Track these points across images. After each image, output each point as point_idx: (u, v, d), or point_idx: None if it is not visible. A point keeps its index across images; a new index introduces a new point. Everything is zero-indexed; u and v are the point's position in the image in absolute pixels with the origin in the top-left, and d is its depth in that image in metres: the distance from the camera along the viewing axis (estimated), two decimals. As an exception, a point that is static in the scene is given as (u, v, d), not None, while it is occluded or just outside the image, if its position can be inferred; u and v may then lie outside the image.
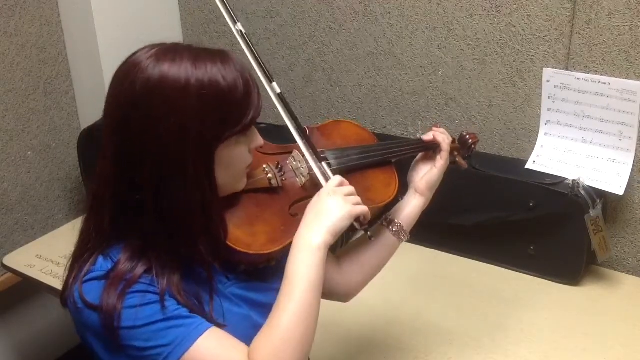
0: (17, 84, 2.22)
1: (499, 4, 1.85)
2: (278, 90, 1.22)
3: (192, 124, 1.01)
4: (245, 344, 1.04)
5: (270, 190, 1.20)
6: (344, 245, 1.46)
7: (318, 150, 1.25)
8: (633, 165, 1.78)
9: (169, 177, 1.02)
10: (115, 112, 1.04)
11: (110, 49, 2.24)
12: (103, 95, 1.07)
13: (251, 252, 1.11)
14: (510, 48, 1.87)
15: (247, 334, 1.10)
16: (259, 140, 1.12)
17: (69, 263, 1.10)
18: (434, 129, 1.41)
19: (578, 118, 1.83)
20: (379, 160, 1.37)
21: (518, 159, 1.95)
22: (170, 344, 1.00)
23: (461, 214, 1.92)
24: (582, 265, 1.80)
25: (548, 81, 1.84)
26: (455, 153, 1.48)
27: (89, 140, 2.23)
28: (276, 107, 1.23)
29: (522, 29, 1.84)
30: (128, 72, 1.02)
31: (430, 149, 1.40)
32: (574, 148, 1.86)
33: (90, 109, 2.35)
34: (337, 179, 1.16)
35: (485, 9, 1.88)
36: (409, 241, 1.40)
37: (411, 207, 1.37)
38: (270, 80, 1.22)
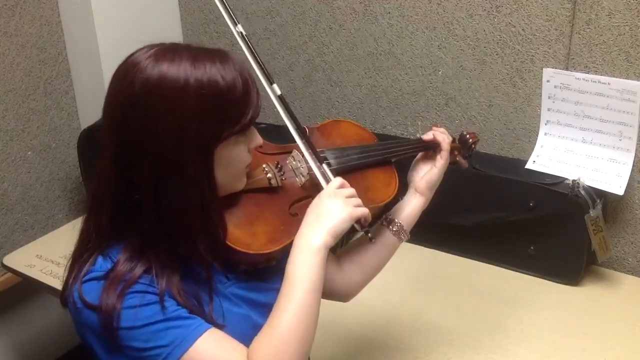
0: (17, 84, 2.22)
1: (499, 4, 1.85)
2: (279, 92, 1.22)
3: (191, 123, 1.01)
4: (245, 344, 1.04)
5: (270, 190, 1.20)
6: (344, 245, 1.46)
7: (318, 150, 1.25)
8: (633, 165, 1.78)
9: (167, 177, 1.03)
10: (114, 111, 1.04)
11: (110, 49, 2.25)
12: (103, 95, 1.07)
13: (251, 251, 1.10)
14: (510, 48, 1.87)
15: (247, 334, 1.10)
16: (258, 139, 1.12)
17: (69, 263, 1.10)
18: (434, 128, 1.41)
19: (578, 118, 1.83)
20: (378, 160, 1.37)
21: (518, 159, 1.95)
22: (169, 345, 1.00)
23: (461, 214, 1.92)
24: (582, 265, 1.80)
25: (548, 81, 1.84)
26: (456, 152, 1.48)
27: (89, 140, 2.23)
28: (276, 107, 1.23)
29: (522, 29, 1.84)
30: (127, 72, 1.02)
31: (431, 149, 1.40)
32: (574, 148, 1.86)
33: (90, 109, 2.35)
34: (338, 180, 1.16)
35: (485, 9, 1.88)
36: (409, 241, 1.40)
37: (411, 206, 1.37)
38: (270, 82, 1.22)
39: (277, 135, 1.31)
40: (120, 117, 1.03)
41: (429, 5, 1.96)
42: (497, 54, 1.90)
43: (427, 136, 1.40)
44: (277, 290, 1.15)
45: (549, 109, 1.87)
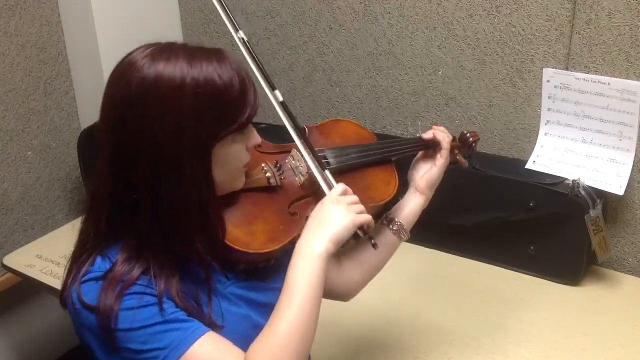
0: (17, 84, 2.22)
1: (499, 4, 1.85)
2: (280, 99, 1.22)
3: (188, 122, 1.01)
4: (245, 344, 1.04)
5: (269, 189, 1.20)
6: (345, 245, 1.46)
7: (317, 149, 1.25)
8: (633, 165, 1.78)
9: (164, 176, 1.02)
10: (112, 111, 1.04)
11: (110, 49, 2.25)
12: (103, 95, 1.07)
13: (250, 251, 1.10)
14: (510, 48, 1.87)
15: (246, 334, 1.09)
16: (256, 138, 1.12)
17: (68, 263, 1.10)
18: (434, 127, 1.41)
19: (578, 118, 1.83)
20: (378, 159, 1.36)
21: (518, 159, 1.95)
22: (167, 347, 1.00)
23: (461, 214, 1.92)
24: (582, 265, 1.80)
25: (548, 81, 1.84)
26: (456, 151, 1.48)
27: (89, 140, 2.23)
28: (276, 109, 1.23)
29: (522, 29, 1.84)
30: (124, 71, 1.02)
31: (430, 148, 1.40)
32: (574, 148, 1.86)
33: (90, 109, 2.35)
34: (341, 187, 1.16)
35: (485, 9, 1.88)
36: (409, 241, 1.40)
37: (411, 205, 1.37)
38: (272, 88, 1.22)
39: (276, 135, 1.31)
40: (117, 117, 1.03)
41: (429, 5, 1.96)
42: (497, 54, 1.90)
43: (427, 135, 1.40)
44: (277, 290, 1.15)
45: (549, 109, 1.87)
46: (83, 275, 1.04)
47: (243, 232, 1.11)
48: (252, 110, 1.06)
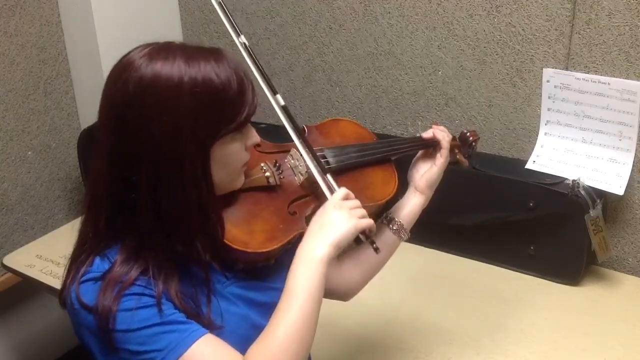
0: (17, 84, 2.22)
1: (499, 4, 1.85)
2: (282, 103, 1.22)
3: (186, 122, 1.01)
4: (244, 343, 1.04)
5: (269, 188, 1.20)
6: (346, 249, 1.46)
7: (317, 148, 1.25)
8: (633, 165, 1.78)
9: (165, 176, 1.02)
10: (110, 111, 1.04)
11: (110, 49, 2.25)
12: (102, 95, 1.07)
13: (249, 250, 1.10)
14: (510, 48, 1.87)
15: (246, 334, 1.10)
16: (255, 137, 1.12)
17: (67, 264, 1.10)
18: (434, 126, 1.41)
19: (578, 118, 1.83)
20: (378, 158, 1.36)
21: (518, 159, 1.95)
22: (164, 349, 0.99)
23: (461, 214, 1.92)
24: (582, 265, 1.80)
25: (548, 81, 1.84)
26: (456, 151, 1.48)
27: (89, 140, 2.23)
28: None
29: (522, 29, 1.84)
30: (121, 71, 1.02)
31: (430, 147, 1.40)
32: (574, 148, 1.86)
33: (90, 109, 2.35)
34: (343, 191, 1.16)
35: (485, 9, 1.88)
36: (409, 241, 1.40)
37: (411, 205, 1.37)
38: (274, 92, 1.21)
39: (276, 135, 1.31)
40: (116, 117, 1.03)
41: (429, 5, 1.96)
42: (497, 54, 1.90)
43: (427, 134, 1.40)
44: (277, 290, 1.15)
45: (549, 109, 1.87)
46: (82, 276, 1.04)
47: (242, 232, 1.11)
48: (251, 109, 1.06)
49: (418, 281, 1.87)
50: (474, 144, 1.53)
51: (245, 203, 1.16)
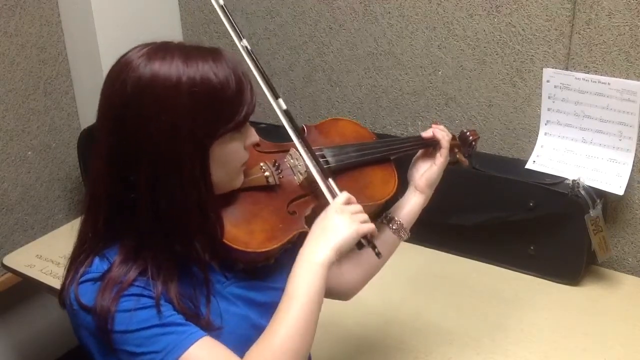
0: (17, 84, 2.22)
1: (499, 4, 1.85)
2: (284, 107, 1.22)
3: (184, 122, 1.01)
4: (244, 344, 1.04)
5: (268, 188, 1.20)
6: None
7: (316, 147, 1.25)
8: (633, 165, 1.77)
9: (164, 176, 1.02)
10: (108, 111, 1.04)
11: (110, 49, 2.25)
12: (103, 95, 1.07)
13: (249, 250, 1.10)
14: (510, 48, 1.87)
15: (246, 334, 1.10)
16: (254, 136, 1.12)
17: (67, 264, 1.10)
18: (433, 126, 1.41)
19: (578, 118, 1.83)
20: (377, 158, 1.36)
21: (518, 159, 1.95)
22: (162, 351, 0.99)
23: (461, 214, 1.92)
24: (582, 265, 1.80)
25: (548, 81, 1.84)
26: (456, 150, 1.48)
27: (89, 140, 2.23)
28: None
29: (522, 29, 1.84)
30: (120, 71, 1.02)
31: (430, 146, 1.40)
32: (574, 148, 1.86)
33: (90, 109, 2.34)
34: (344, 195, 1.15)
35: (485, 9, 1.88)
36: (409, 241, 1.40)
37: (411, 204, 1.37)
38: (276, 96, 1.21)
39: (275, 134, 1.31)
40: (114, 117, 1.03)
41: (429, 5, 1.96)
42: (497, 54, 1.90)
43: (427, 134, 1.40)
44: (277, 290, 1.15)
45: (549, 109, 1.87)
46: (81, 276, 1.04)
47: (242, 231, 1.11)
48: (249, 108, 1.06)
49: (418, 281, 1.87)
50: (473, 143, 1.53)
51: (244, 203, 1.16)
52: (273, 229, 1.15)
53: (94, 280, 1.03)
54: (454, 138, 1.44)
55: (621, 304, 1.75)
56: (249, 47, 1.22)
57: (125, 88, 1.01)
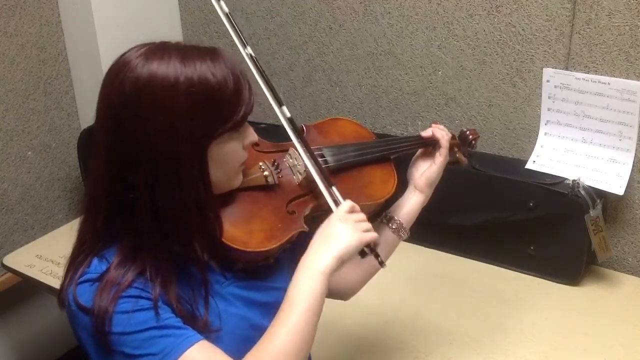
0: (17, 84, 2.22)
1: (499, 4, 1.85)
2: (288, 115, 1.21)
3: (182, 122, 1.01)
4: (243, 344, 1.04)
5: (267, 188, 1.20)
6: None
7: (315, 147, 1.25)
8: (633, 165, 1.77)
9: (162, 176, 1.02)
10: (107, 111, 1.04)
11: (110, 49, 2.25)
12: (103, 95, 1.07)
13: (248, 249, 1.10)
14: (510, 48, 1.87)
15: (245, 334, 1.10)
16: (253, 136, 1.12)
17: (66, 264, 1.10)
18: (433, 125, 1.41)
19: (578, 118, 1.83)
20: (377, 157, 1.36)
21: (518, 159, 1.95)
22: (159, 354, 0.99)
23: (461, 214, 1.92)
24: (582, 265, 1.80)
25: (548, 81, 1.84)
26: (456, 149, 1.47)
27: (89, 140, 2.23)
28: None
29: (522, 29, 1.84)
30: (118, 71, 1.02)
31: (429, 146, 1.40)
32: (574, 148, 1.86)
33: (90, 109, 2.31)
34: (348, 204, 1.15)
35: (485, 9, 1.88)
36: (408, 241, 1.40)
37: (411, 204, 1.37)
38: (280, 104, 1.21)
39: (275, 134, 1.30)
40: (112, 117, 1.02)
41: (429, 5, 1.96)
42: (497, 54, 1.90)
43: (426, 133, 1.40)
44: (277, 289, 1.15)
45: (549, 109, 1.87)
46: (79, 277, 1.04)
47: (241, 231, 1.11)
48: (248, 108, 1.06)
49: (418, 281, 1.86)
50: (473, 142, 1.52)
51: (243, 202, 1.16)
52: (272, 229, 1.15)
53: (92, 281, 1.03)
54: (453, 137, 1.44)
55: (621, 304, 1.75)
56: (253, 54, 1.21)
57: (123, 88, 1.01)
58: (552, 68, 1.82)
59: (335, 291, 1.36)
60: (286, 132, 1.22)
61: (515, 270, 1.88)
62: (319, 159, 1.23)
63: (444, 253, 1.99)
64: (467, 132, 1.52)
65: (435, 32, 1.98)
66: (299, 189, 1.23)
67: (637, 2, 1.66)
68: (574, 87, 1.80)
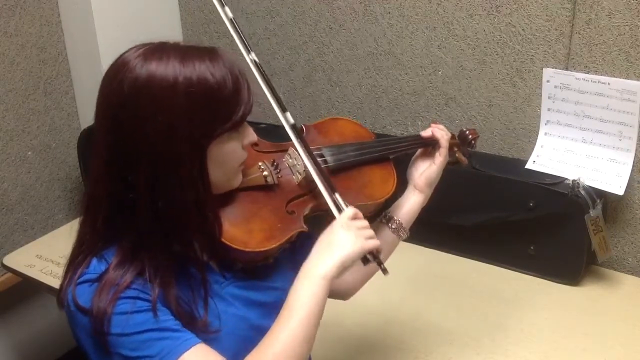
0: (17, 84, 2.22)
1: (499, 4, 1.85)
2: (292, 121, 1.21)
3: (181, 122, 1.01)
4: (243, 344, 1.04)
5: (267, 187, 1.20)
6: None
7: (314, 147, 1.25)
8: (633, 165, 1.77)
9: (162, 176, 1.02)
10: (106, 111, 1.04)
11: (110, 49, 2.25)
12: (103, 95, 1.07)
13: (248, 249, 1.10)
14: (510, 48, 1.87)
15: (244, 334, 1.10)
16: (252, 136, 1.12)
17: (66, 264, 1.10)
18: (432, 125, 1.41)
19: (578, 118, 1.83)
20: (376, 157, 1.36)
21: (518, 159, 1.95)
22: (156, 356, 0.99)
23: (461, 214, 1.92)
24: (582, 265, 1.80)
25: (548, 81, 1.84)
26: (455, 149, 1.47)
27: (89, 140, 2.23)
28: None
29: (522, 29, 1.84)
30: (117, 72, 1.02)
31: (429, 145, 1.40)
32: (574, 148, 1.86)
33: (90, 109, 2.30)
34: (351, 210, 1.15)
35: (485, 9, 1.88)
36: (408, 241, 1.40)
37: (410, 203, 1.37)
38: (283, 110, 1.21)
39: (275, 134, 1.30)
40: (111, 117, 1.02)
41: (429, 5, 1.96)
42: (497, 54, 1.90)
43: (426, 133, 1.40)
44: (276, 289, 1.15)
45: (549, 109, 1.87)
46: (78, 277, 1.04)
47: (241, 231, 1.11)
48: (247, 108, 1.06)
49: (418, 281, 1.86)
50: (473, 142, 1.52)
51: (243, 202, 1.15)
52: (272, 229, 1.14)
53: (91, 281, 1.03)
54: (453, 137, 1.44)
55: (621, 304, 1.75)
56: (257, 60, 1.21)
57: (122, 88, 1.01)
58: (552, 68, 1.82)
59: (335, 291, 1.35)
60: (286, 132, 1.22)
61: (515, 270, 1.88)
62: (319, 159, 1.23)
63: (444, 253, 1.99)
64: (467, 132, 1.52)
65: (435, 32, 1.98)
66: (298, 188, 1.23)
67: (637, 2, 1.66)
68: (574, 87, 1.80)
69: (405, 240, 1.39)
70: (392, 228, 1.35)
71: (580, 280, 1.82)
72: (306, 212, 1.21)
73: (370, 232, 1.14)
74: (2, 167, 2.23)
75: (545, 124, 1.89)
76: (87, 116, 2.39)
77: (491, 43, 1.90)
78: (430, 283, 1.86)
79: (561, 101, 1.84)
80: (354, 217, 1.14)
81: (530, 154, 1.91)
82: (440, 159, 1.37)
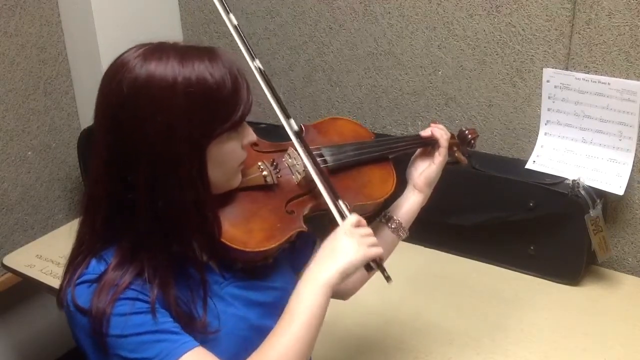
0: (17, 84, 2.22)
1: (499, 4, 1.85)
2: (296, 128, 1.21)
3: (180, 122, 1.00)
4: (242, 345, 1.04)
5: (266, 187, 1.20)
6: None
7: (314, 147, 1.25)
8: (633, 165, 1.77)
9: (162, 176, 1.02)
10: (105, 111, 1.04)
11: (110, 49, 2.25)
12: (103, 95, 1.06)
13: (247, 249, 1.10)
14: (510, 48, 1.87)
15: (244, 334, 1.10)
16: (252, 136, 1.12)
17: (65, 265, 1.09)
18: (432, 125, 1.41)
19: (578, 118, 1.83)
20: (376, 157, 1.36)
21: (518, 159, 1.94)
22: (154, 358, 0.99)
23: (461, 214, 1.92)
24: (582, 265, 1.80)
25: (548, 81, 1.84)
26: (455, 149, 1.48)
27: (89, 140, 2.23)
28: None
29: (522, 29, 1.84)
30: (116, 72, 1.02)
31: (429, 145, 1.40)
32: (574, 148, 1.86)
33: (90, 109, 2.29)
34: (354, 218, 1.15)
35: (485, 9, 1.88)
36: (408, 240, 1.40)
37: (410, 203, 1.37)
38: (287, 116, 1.21)
39: (275, 134, 1.30)
40: (111, 117, 1.02)
41: (429, 5, 1.96)
42: (497, 54, 1.90)
43: (425, 132, 1.40)
44: (276, 289, 1.15)
45: (549, 109, 1.87)
46: (77, 278, 1.04)
47: (240, 231, 1.11)
48: (246, 108, 1.06)
49: (418, 281, 1.86)
50: (472, 142, 1.52)
51: (243, 202, 1.15)
52: (271, 228, 1.14)
53: (91, 282, 1.02)
54: (452, 137, 1.44)
55: (621, 304, 1.75)
56: (261, 67, 1.21)
57: (121, 88, 1.00)
58: (552, 68, 1.82)
59: (335, 291, 1.34)
60: (285, 132, 1.22)
61: (515, 270, 1.88)
62: (318, 159, 1.23)
63: (443, 253, 1.99)
64: (466, 132, 1.52)
65: (435, 32, 1.98)
66: (298, 188, 1.23)
67: (637, 2, 1.66)
68: (574, 87, 1.80)
69: (405, 240, 1.39)
70: (391, 228, 1.35)
71: (580, 280, 1.82)
72: (306, 211, 1.21)
73: (373, 239, 1.14)
74: (2, 167, 2.23)
75: (545, 124, 1.89)
76: (87, 116, 2.39)
77: (491, 43, 1.90)
78: (430, 283, 1.86)
79: (561, 101, 1.84)
80: (357, 225, 1.14)
81: (530, 154, 1.91)
82: (439, 158, 1.37)
